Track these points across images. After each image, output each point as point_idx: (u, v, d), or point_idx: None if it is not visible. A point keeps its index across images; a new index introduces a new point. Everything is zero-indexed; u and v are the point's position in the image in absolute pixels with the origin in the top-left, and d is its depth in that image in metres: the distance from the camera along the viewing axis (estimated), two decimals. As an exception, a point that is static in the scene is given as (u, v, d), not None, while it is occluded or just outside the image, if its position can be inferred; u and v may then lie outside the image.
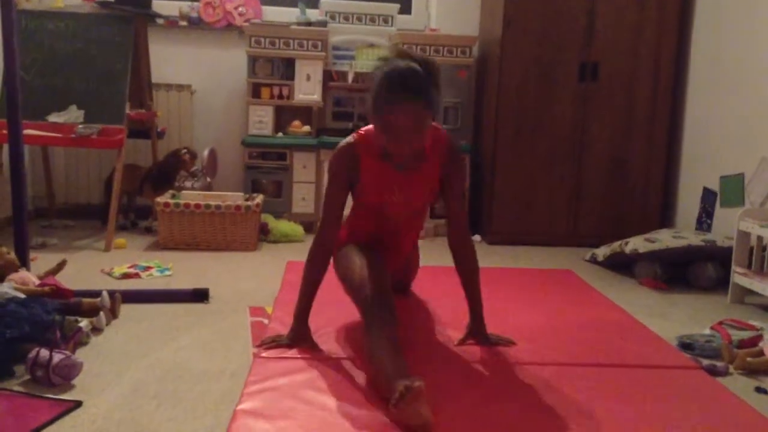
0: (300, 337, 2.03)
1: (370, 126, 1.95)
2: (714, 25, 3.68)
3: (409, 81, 1.80)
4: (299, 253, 3.50)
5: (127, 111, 3.59)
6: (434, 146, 1.99)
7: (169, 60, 4.16)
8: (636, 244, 3.22)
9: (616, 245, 3.37)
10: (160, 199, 3.52)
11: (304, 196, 4.01)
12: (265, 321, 2.37)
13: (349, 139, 2.01)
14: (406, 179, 2.01)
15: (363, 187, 2.02)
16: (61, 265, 2.64)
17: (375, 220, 2.13)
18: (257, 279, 2.99)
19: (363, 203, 2.10)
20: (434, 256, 3.10)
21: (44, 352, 1.85)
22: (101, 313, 2.28)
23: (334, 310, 2.49)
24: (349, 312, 2.45)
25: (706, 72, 3.74)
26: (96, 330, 2.24)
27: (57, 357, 1.84)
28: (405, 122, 1.78)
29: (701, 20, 3.80)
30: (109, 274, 2.96)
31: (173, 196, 3.63)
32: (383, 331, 1.84)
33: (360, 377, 1.86)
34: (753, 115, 3.29)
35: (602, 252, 3.46)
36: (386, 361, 1.73)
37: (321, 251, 2.05)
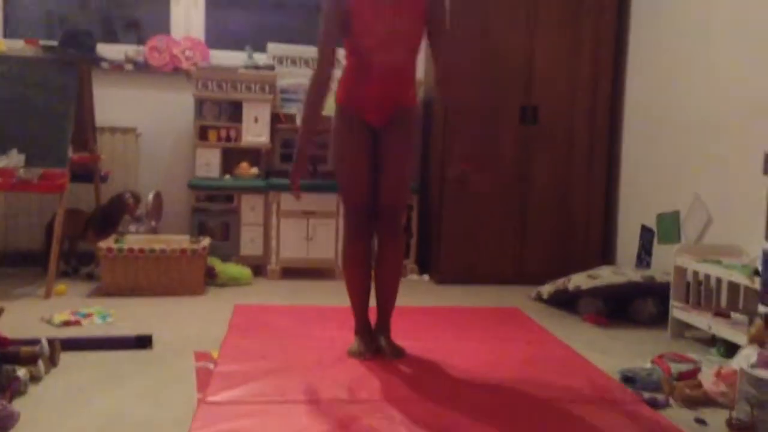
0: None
1: None
2: (646, 72, 3.86)
3: None
4: (247, 296, 3.47)
5: (70, 155, 3.53)
6: None
7: (114, 103, 4.13)
8: (578, 281, 3.30)
9: (559, 282, 3.44)
10: (103, 244, 3.46)
11: (253, 239, 3.99)
12: (211, 366, 2.33)
13: None
14: (393, 10, 2.27)
15: (354, 22, 2.27)
16: (-3, 313, 2.56)
17: (365, 71, 2.34)
18: (203, 323, 2.95)
19: (355, 46, 2.33)
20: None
21: (-22, 404, 1.78)
22: (40, 361, 2.21)
23: (292, 349, 2.48)
24: (306, 351, 2.44)
25: (640, 115, 3.91)
26: (34, 379, 2.17)
27: (-9, 408, 1.77)
28: None
29: (634, 67, 3.98)
30: (49, 322, 2.88)
31: (117, 241, 3.57)
32: (355, 277, 2.47)
33: (306, 422, 1.84)
34: (685, 155, 3.44)
35: (547, 289, 3.53)
36: (354, 303, 2.50)
37: (319, 87, 2.38)
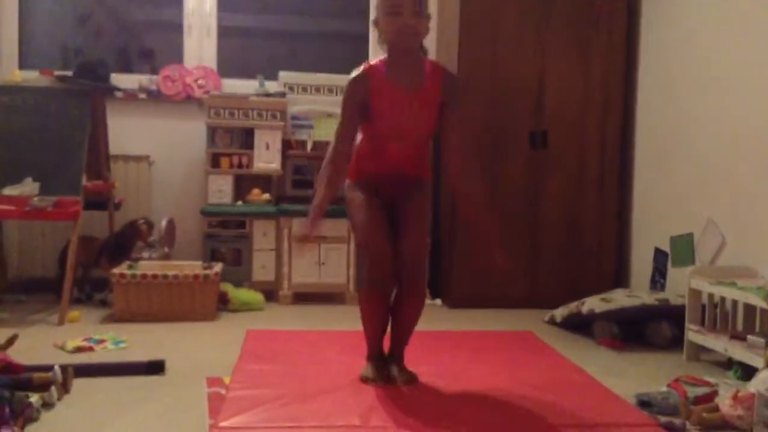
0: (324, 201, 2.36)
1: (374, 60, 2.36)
2: (657, 96, 3.87)
3: None
4: (259, 322, 3.47)
5: (84, 183, 3.57)
6: (434, 72, 2.35)
7: (128, 132, 4.18)
8: (592, 304, 3.28)
9: (573, 306, 3.42)
10: (116, 271, 3.48)
11: (264, 264, 4.00)
12: (223, 391, 2.33)
13: (358, 69, 2.35)
14: (410, 99, 2.31)
15: (373, 108, 2.31)
16: (11, 340, 2.56)
17: (380, 153, 2.39)
18: (215, 349, 2.94)
19: (370, 132, 2.37)
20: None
21: (-9, 430, 1.78)
22: (53, 387, 2.21)
23: (304, 374, 2.47)
24: (318, 376, 2.43)
25: (652, 139, 3.90)
26: (47, 405, 2.17)
27: (4, 434, 1.77)
28: (407, 2, 2.21)
29: (644, 90, 3.99)
30: (62, 348, 2.88)
31: (130, 267, 3.59)
32: (372, 307, 2.39)
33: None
34: (698, 178, 3.43)
35: (560, 313, 3.50)
36: (369, 335, 2.47)
37: (339, 162, 2.35)
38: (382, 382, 2.42)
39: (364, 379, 2.44)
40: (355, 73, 2.35)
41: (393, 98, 2.32)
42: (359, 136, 2.43)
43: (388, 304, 2.44)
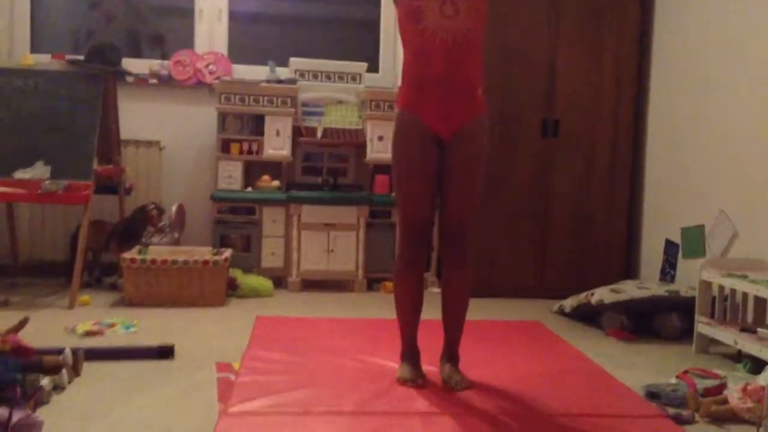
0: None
1: None
2: (669, 88, 3.84)
3: None
4: (268, 308, 3.48)
5: (95, 167, 3.58)
6: None
7: (139, 116, 4.18)
8: (601, 295, 3.27)
9: (582, 296, 3.41)
10: (126, 255, 3.49)
11: (274, 251, 4.00)
12: (232, 377, 2.34)
13: None
14: None
15: None
16: (23, 323, 2.57)
17: (425, 44, 2.15)
18: (224, 335, 2.96)
19: (409, 18, 2.17)
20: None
21: (3, 411, 1.79)
22: (63, 370, 2.23)
23: (313, 361, 2.48)
24: (327, 362, 2.44)
25: (664, 129, 3.87)
26: (58, 388, 2.19)
27: (17, 416, 1.78)
28: None
29: (657, 81, 3.96)
30: (73, 332, 2.90)
31: (140, 252, 3.60)
32: (407, 293, 2.32)
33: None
34: (710, 169, 3.41)
35: (569, 303, 3.50)
36: (402, 323, 2.35)
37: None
38: (422, 382, 2.27)
39: (402, 381, 2.28)
40: None
41: None
42: (404, 52, 2.25)
43: (422, 283, 2.35)
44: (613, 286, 3.37)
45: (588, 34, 3.97)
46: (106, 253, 3.88)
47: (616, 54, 3.99)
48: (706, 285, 2.97)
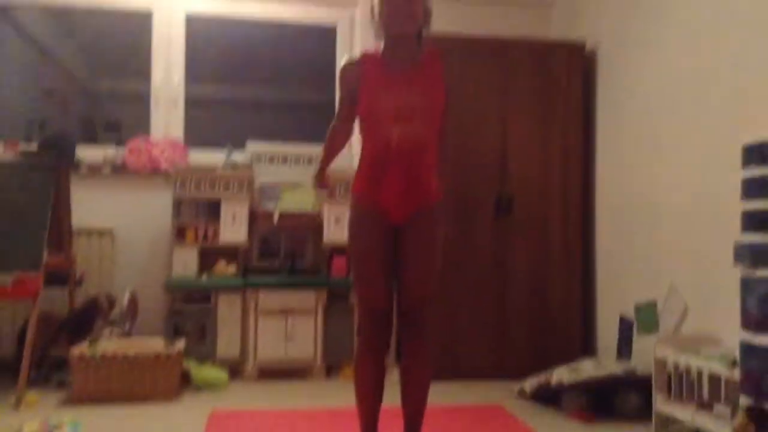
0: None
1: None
2: (614, 164, 3.95)
3: None
4: (223, 400, 3.38)
5: (45, 258, 3.50)
6: (432, 55, 2.33)
7: (92, 205, 4.14)
8: (561, 375, 3.26)
9: (542, 377, 3.40)
10: (76, 350, 3.38)
11: (230, 339, 3.92)
12: (183, 481, 2.24)
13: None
14: (408, 76, 2.27)
15: (370, 90, 2.26)
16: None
17: (381, 145, 2.25)
18: (177, 432, 2.85)
19: (369, 123, 2.29)
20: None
21: None
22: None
23: None
24: None
25: (612, 204, 3.97)
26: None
27: None
28: None
29: (602, 159, 4.08)
30: (17, 435, 2.77)
31: (90, 346, 3.49)
32: (366, 379, 2.30)
33: None
34: (658, 244, 3.48)
35: (530, 384, 3.48)
36: (361, 409, 2.32)
37: (335, 137, 2.46)
38: None
39: None
40: (348, 59, 2.36)
41: (389, 77, 2.26)
42: (362, 143, 2.36)
43: (383, 369, 2.33)
44: (572, 366, 3.37)
45: (536, 113, 4.09)
46: (54, 348, 3.75)
47: (562, 132, 4.11)
48: (661, 362, 2.99)
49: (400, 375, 2.38)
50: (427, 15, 2.32)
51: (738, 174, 2.44)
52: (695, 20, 3.25)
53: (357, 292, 2.33)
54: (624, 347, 3.69)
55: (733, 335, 2.66)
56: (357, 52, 2.38)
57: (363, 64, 2.30)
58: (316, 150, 4.34)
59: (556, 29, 4.67)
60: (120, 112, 4.60)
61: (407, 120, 2.23)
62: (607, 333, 3.94)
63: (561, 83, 4.12)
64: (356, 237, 2.31)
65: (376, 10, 2.29)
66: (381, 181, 2.26)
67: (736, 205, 2.45)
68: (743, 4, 2.93)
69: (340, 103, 2.40)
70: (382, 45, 2.33)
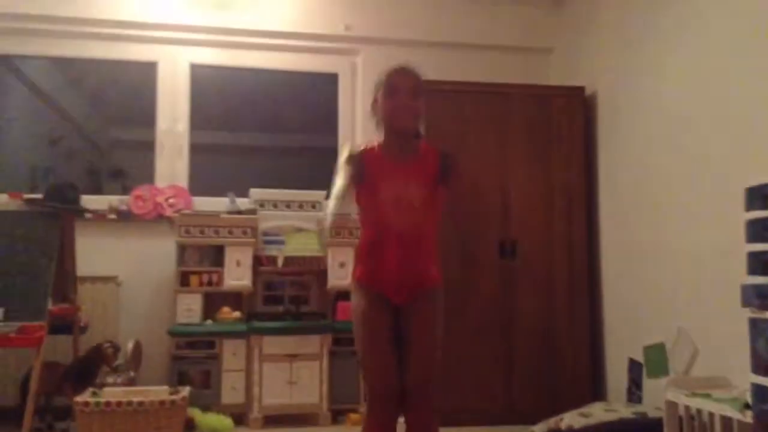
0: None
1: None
2: (618, 207, 3.97)
3: (405, 65, 2.37)
4: (228, 449, 3.34)
5: (50, 307, 3.49)
6: (428, 150, 2.40)
7: (96, 252, 4.14)
8: (571, 420, 3.22)
9: (551, 422, 3.35)
10: (80, 399, 3.34)
11: (234, 386, 3.89)
12: None
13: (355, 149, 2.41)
14: (407, 171, 2.32)
15: (367, 179, 2.32)
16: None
17: (379, 232, 2.32)
18: (182, 483, 2.80)
19: (369, 212, 2.35)
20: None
21: None
22: None
23: None
24: None
25: (618, 249, 3.98)
26: None
27: None
28: (405, 83, 2.31)
29: (605, 202, 4.10)
30: (18, 488, 2.72)
31: (93, 395, 3.45)
32: None
33: None
34: (666, 287, 3.47)
35: (539, 429, 3.43)
36: None
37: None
38: None
39: None
40: (349, 151, 2.38)
41: (389, 169, 2.32)
42: (361, 230, 2.42)
43: None
44: (581, 410, 3.33)
45: (536, 156, 4.13)
46: (58, 396, 3.72)
47: (565, 174, 4.14)
48: (672, 405, 2.95)
49: None
50: (423, 106, 2.38)
51: (743, 215, 2.45)
52: (696, 63, 3.31)
53: (366, 373, 2.34)
54: (634, 390, 3.66)
55: (744, 377, 2.63)
56: (358, 145, 2.46)
57: (366, 155, 2.37)
58: (319, 195, 4.39)
59: (555, 75, 4.74)
60: (125, 160, 4.64)
61: (406, 210, 2.32)
62: (616, 376, 3.90)
63: (561, 127, 4.17)
64: (361, 317, 2.35)
65: (380, 103, 2.36)
66: (379, 267, 2.34)
67: (743, 246, 2.46)
68: (743, 46, 2.99)
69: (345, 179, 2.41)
70: (382, 137, 2.40)
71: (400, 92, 2.30)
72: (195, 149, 4.53)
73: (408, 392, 2.27)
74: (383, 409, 2.26)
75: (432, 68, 2.63)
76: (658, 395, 3.13)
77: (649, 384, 3.54)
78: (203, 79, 4.59)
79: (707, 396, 2.81)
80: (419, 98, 2.34)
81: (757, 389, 2.30)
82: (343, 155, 2.38)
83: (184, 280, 4.07)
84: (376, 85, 2.39)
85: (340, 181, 2.37)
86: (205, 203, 4.38)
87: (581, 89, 4.22)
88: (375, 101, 2.39)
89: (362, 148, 2.41)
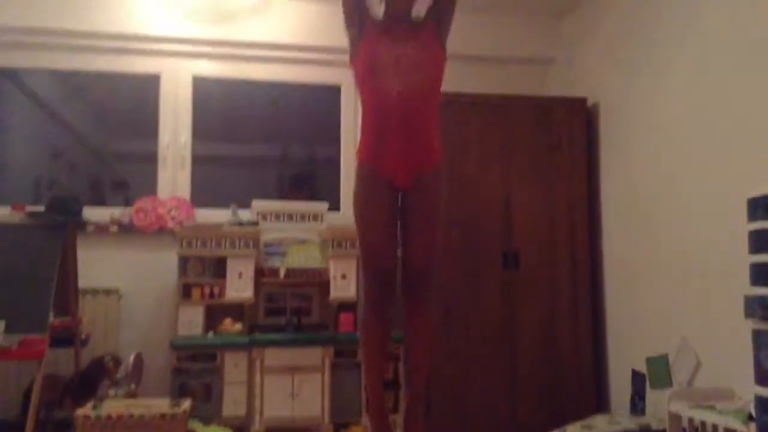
0: None
1: None
2: (621, 219, 3.97)
3: None
4: (229, 462, 3.32)
5: (51, 320, 3.49)
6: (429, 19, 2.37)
7: (98, 265, 4.14)
8: (573, 432, 3.21)
9: (554, 435, 3.34)
10: (81, 411, 3.34)
11: (236, 398, 3.87)
12: None
13: None
14: (406, 35, 2.30)
15: (365, 43, 2.31)
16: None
17: (382, 99, 2.28)
18: (183, 496, 2.79)
19: (367, 74, 2.31)
20: None
21: None
22: None
23: None
24: None
25: (620, 260, 3.97)
26: None
27: None
28: None
29: (608, 214, 4.09)
30: (18, 502, 2.71)
31: (95, 407, 3.45)
32: (374, 344, 2.29)
33: None
34: (669, 297, 3.46)
35: (542, 442, 3.41)
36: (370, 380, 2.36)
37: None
38: None
39: None
40: None
41: (389, 33, 2.32)
42: (362, 105, 2.41)
43: (388, 332, 2.34)
44: (584, 422, 3.32)
45: (539, 170, 4.13)
46: (59, 409, 3.70)
47: (567, 188, 4.14)
48: (676, 417, 2.94)
49: (404, 335, 2.40)
50: None
51: (746, 226, 2.44)
52: (697, 73, 3.31)
53: (363, 256, 2.36)
54: (637, 402, 3.63)
55: (747, 389, 2.62)
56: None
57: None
58: (321, 207, 4.39)
59: (556, 87, 4.74)
60: (127, 172, 4.65)
61: (408, 72, 2.29)
62: (619, 388, 3.88)
63: (563, 137, 4.17)
64: (362, 201, 2.36)
65: None
66: (384, 140, 2.33)
67: (743, 259, 2.45)
68: (743, 57, 2.99)
69: (348, 29, 2.45)
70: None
71: None
72: (197, 161, 4.53)
73: (408, 279, 2.29)
74: (380, 293, 2.28)
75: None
76: (662, 407, 3.11)
77: (652, 395, 3.52)
78: (206, 91, 4.61)
79: (711, 408, 2.79)
80: None
81: (761, 401, 2.28)
82: None
83: (185, 292, 4.06)
84: None
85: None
86: (208, 215, 4.38)
87: (583, 100, 4.22)
88: None
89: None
